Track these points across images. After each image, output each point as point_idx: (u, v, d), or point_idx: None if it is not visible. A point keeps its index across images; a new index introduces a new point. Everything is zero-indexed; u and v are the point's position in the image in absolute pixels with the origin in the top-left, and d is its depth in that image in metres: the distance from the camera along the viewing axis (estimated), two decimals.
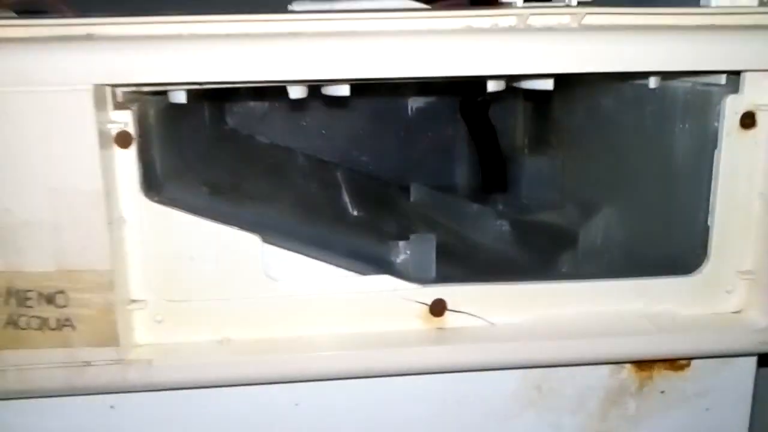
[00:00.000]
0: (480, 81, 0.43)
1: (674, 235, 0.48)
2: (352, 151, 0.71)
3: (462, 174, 0.73)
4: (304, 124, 0.71)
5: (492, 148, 0.71)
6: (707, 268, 0.45)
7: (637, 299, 0.45)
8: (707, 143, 0.44)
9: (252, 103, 0.69)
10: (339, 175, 0.67)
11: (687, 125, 0.47)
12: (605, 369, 0.46)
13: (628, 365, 0.46)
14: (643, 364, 0.46)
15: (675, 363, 0.46)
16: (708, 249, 0.44)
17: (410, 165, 0.72)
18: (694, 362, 0.46)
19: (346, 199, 0.62)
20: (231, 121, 0.69)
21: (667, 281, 0.45)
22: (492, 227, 0.61)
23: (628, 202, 0.54)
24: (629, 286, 0.45)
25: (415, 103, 0.72)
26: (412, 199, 0.67)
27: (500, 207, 0.65)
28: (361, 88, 0.41)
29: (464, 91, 0.69)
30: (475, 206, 0.63)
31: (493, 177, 0.70)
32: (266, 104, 0.69)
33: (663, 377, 0.46)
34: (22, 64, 0.37)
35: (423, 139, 0.73)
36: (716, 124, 0.44)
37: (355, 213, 0.60)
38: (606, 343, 0.43)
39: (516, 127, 0.73)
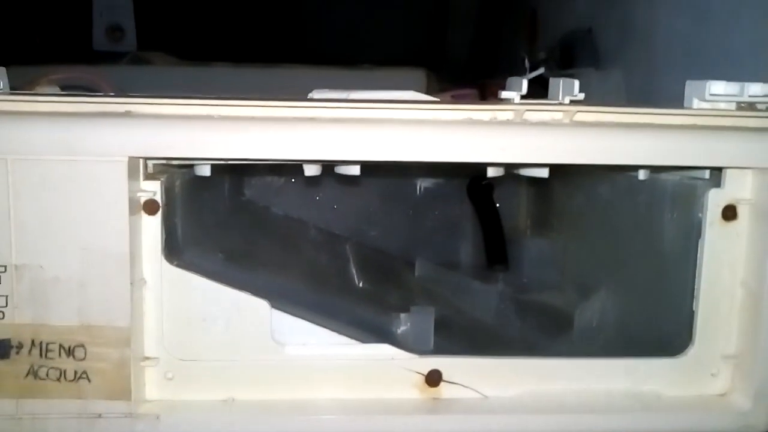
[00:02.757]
0: (483, 168, 0.46)
1: (662, 318, 0.51)
2: (361, 226, 0.74)
3: (466, 252, 0.76)
4: (317, 198, 0.75)
5: (495, 228, 0.74)
6: (692, 351, 0.47)
7: (625, 378, 0.47)
8: (692, 233, 0.47)
9: (269, 178, 0.73)
10: (348, 248, 0.70)
11: (675, 215, 0.50)
12: None
13: None
14: None
15: None
16: (693, 333, 0.47)
17: (417, 241, 0.75)
18: None
19: (353, 271, 0.65)
20: (248, 192, 0.73)
21: (653, 362, 0.47)
22: (492, 305, 0.63)
23: (621, 285, 0.57)
24: (618, 365, 0.47)
25: (423, 183, 0.76)
26: (416, 273, 0.69)
27: (501, 285, 0.67)
28: (372, 168, 0.45)
29: (471, 174, 0.73)
30: (477, 283, 0.66)
31: (496, 256, 0.73)
32: (282, 179, 0.73)
33: None
34: (66, 136, 0.41)
35: (430, 218, 0.76)
36: (700, 215, 0.47)
37: (361, 284, 0.63)
38: (593, 420, 0.45)
39: (520, 210, 0.76)
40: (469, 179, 0.74)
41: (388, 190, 0.74)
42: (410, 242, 0.75)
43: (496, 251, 0.73)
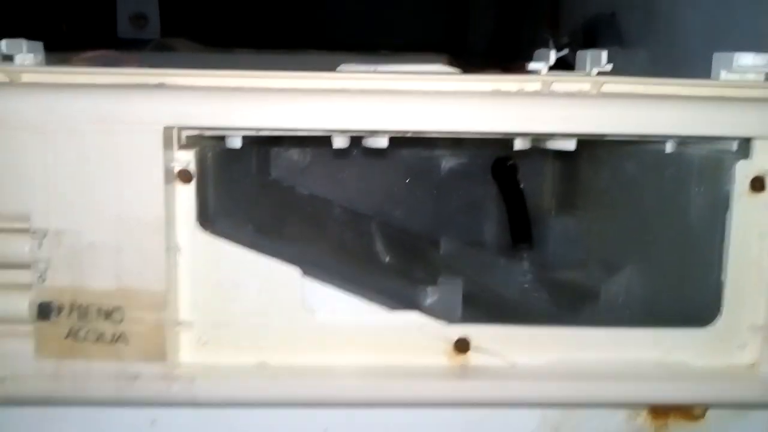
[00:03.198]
0: (509, 144, 0.47)
1: (690, 290, 0.51)
2: (386, 205, 0.75)
3: (490, 231, 0.76)
4: (342, 178, 0.75)
5: (520, 208, 0.75)
6: (720, 322, 0.47)
7: (654, 348, 0.47)
8: (720, 205, 0.47)
9: (294, 158, 0.74)
10: (373, 226, 0.71)
11: (702, 188, 0.51)
12: (622, 414, 0.48)
13: (644, 412, 0.48)
14: (658, 412, 0.48)
15: (690, 413, 0.48)
16: (721, 304, 0.47)
17: (441, 221, 0.76)
18: (709, 413, 0.48)
19: (379, 248, 0.66)
20: (274, 172, 0.74)
21: (682, 332, 0.47)
22: (517, 280, 0.64)
23: (648, 260, 0.57)
24: (646, 335, 0.47)
25: (447, 162, 0.76)
26: (441, 252, 0.70)
27: (526, 263, 0.68)
28: (397, 143, 0.45)
29: (495, 154, 0.74)
30: (502, 260, 0.66)
31: (521, 235, 0.73)
32: (307, 158, 0.74)
33: (678, 426, 0.48)
34: (102, 106, 0.42)
35: (454, 197, 0.77)
36: (728, 187, 0.47)
37: (388, 260, 0.63)
38: (622, 387, 0.46)
39: (544, 188, 0.76)
40: (494, 160, 0.75)
41: (413, 170, 0.75)
42: (435, 222, 0.75)
43: (521, 230, 0.74)
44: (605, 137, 0.45)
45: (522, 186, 0.74)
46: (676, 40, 0.86)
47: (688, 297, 0.51)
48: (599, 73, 0.45)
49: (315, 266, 0.49)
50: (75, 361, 0.43)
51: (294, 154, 0.73)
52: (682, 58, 0.84)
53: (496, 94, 0.44)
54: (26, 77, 0.43)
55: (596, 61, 0.45)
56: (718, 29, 0.77)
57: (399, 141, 0.46)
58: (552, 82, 0.44)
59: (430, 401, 0.45)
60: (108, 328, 0.43)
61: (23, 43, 0.44)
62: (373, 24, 1.48)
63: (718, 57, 0.48)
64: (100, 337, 0.43)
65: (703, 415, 0.48)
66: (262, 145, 0.65)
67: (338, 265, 0.55)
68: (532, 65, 0.46)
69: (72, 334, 0.43)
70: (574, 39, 1.12)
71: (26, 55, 0.44)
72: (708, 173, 0.49)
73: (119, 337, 0.43)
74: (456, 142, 0.72)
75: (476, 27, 1.52)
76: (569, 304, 0.58)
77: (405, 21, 1.48)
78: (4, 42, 0.44)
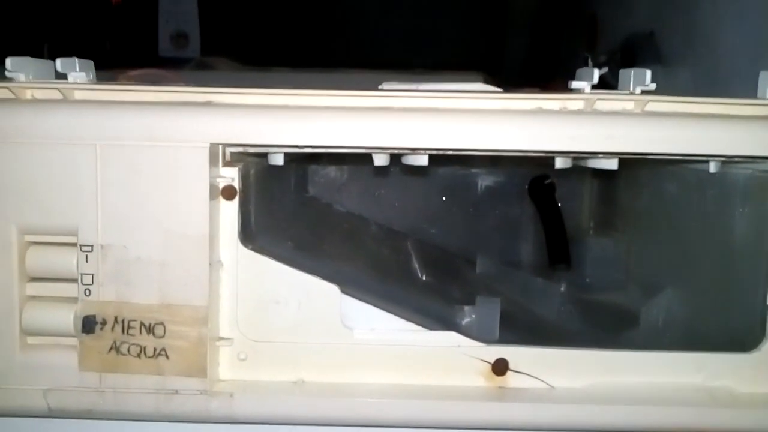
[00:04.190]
0: (548, 163, 0.46)
1: (733, 313, 0.50)
2: (422, 223, 0.75)
3: (527, 251, 0.76)
4: (379, 196, 0.76)
5: (558, 228, 0.74)
6: (766, 347, 0.46)
7: (696, 373, 0.46)
8: (765, 226, 0.46)
9: (332, 175, 0.74)
10: (409, 244, 0.71)
11: (746, 209, 0.50)
12: None
13: None
14: None
15: None
16: (767, 328, 0.46)
17: (477, 240, 0.75)
18: None
19: (416, 265, 0.65)
20: (312, 189, 0.75)
21: (725, 357, 0.46)
22: (555, 302, 0.63)
23: (689, 282, 0.56)
24: (688, 359, 0.46)
25: (484, 181, 0.76)
26: (478, 271, 0.70)
27: (564, 284, 0.67)
28: (437, 163, 0.45)
29: (533, 172, 0.73)
30: (540, 281, 0.65)
31: (558, 255, 0.72)
32: (344, 176, 0.75)
33: None
34: (151, 123, 0.43)
35: (490, 217, 0.77)
36: None
37: (424, 278, 0.63)
38: (663, 413, 0.45)
39: (582, 209, 0.76)
40: (531, 179, 0.74)
41: (449, 188, 0.75)
42: (471, 241, 0.75)
43: (559, 251, 0.73)
44: (649, 156, 0.44)
45: (560, 205, 0.73)
46: (718, 59, 0.85)
47: (731, 321, 0.50)
48: (643, 92, 0.45)
49: (353, 284, 0.49)
50: (116, 375, 0.44)
51: (332, 171, 0.74)
52: (724, 77, 0.82)
53: (539, 112, 0.44)
54: (78, 95, 0.44)
55: (640, 80, 0.45)
56: (764, 47, 0.75)
57: (438, 159, 0.46)
58: (595, 101, 0.44)
59: (468, 424, 0.45)
60: (150, 342, 0.43)
61: (76, 61, 0.46)
62: (410, 42, 1.49)
63: (765, 75, 0.47)
64: (142, 351, 0.43)
65: None
66: (301, 162, 0.66)
67: (375, 283, 0.55)
68: (574, 84, 0.46)
69: (115, 347, 0.43)
70: (612, 58, 1.11)
71: (78, 73, 0.45)
72: (753, 194, 0.49)
73: (160, 351, 0.43)
74: (494, 161, 0.72)
75: (513, 45, 1.52)
76: (608, 327, 0.57)
77: (442, 39, 1.49)
78: (59, 61, 0.45)
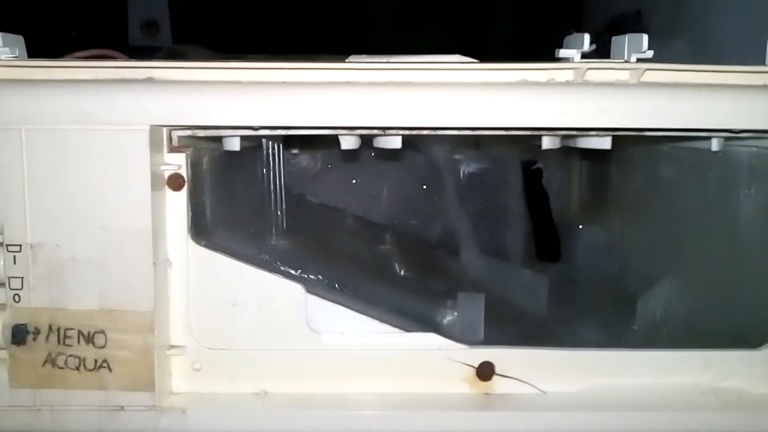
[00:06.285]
0: (534, 144, 0.42)
1: (740, 306, 0.46)
2: (400, 214, 0.71)
3: (513, 242, 0.72)
4: (354, 185, 0.71)
5: (545, 215, 0.70)
6: None
7: (702, 372, 0.42)
8: None
9: (304, 164, 0.70)
10: (387, 236, 0.66)
11: (752, 191, 0.45)
12: None
13: None
14: None
15: None
16: None
17: (460, 231, 0.71)
18: None
19: (394, 259, 0.61)
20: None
21: (732, 355, 0.42)
22: (543, 295, 0.59)
23: (689, 272, 0.52)
24: (692, 358, 0.42)
25: (468, 167, 0.71)
26: (461, 262, 0.65)
27: (553, 275, 0.63)
28: (413, 147, 0.41)
29: (519, 157, 0.69)
30: (527, 272, 0.61)
31: (547, 245, 0.68)
32: (317, 165, 0.70)
33: None
34: (82, 103, 0.38)
35: (474, 205, 0.72)
36: None
37: (403, 273, 0.59)
38: (667, 418, 0.40)
39: (571, 196, 0.72)
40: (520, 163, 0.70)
41: (429, 175, 0.71)
42: (453, 231, 0.71)
43: (547, 241, 0.69)
44: (646, 133, 0.40)
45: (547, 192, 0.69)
46: (708, 37, 0.81)
47: (736, 314, 0.46)
48: (639, 60, 0.40)
49: (322, 283, 0.45)
50: (53, 391, 0.39)
51: (303, 159, 0.69)
52: (715, 56, 0.79)
53: (523, 84, 0.40)
54: (1, 72, 0.39)
55: (635, 47, 0.40)
56: (754, 26, 0.71)
57: (414, 142, 0.41)
58: (586, 71, 0.40)
59: None
60: (90, 353, 0.39)
61: (0, 36, 0.40)
62: (389, 28, 1.44)
63: None
64: (81, 364, 0.39)
65: None
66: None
67: (348, 280, 0.50)
68: (562, 52, 0.41)
69: (50, 360, 0.39)
70: (598, 40, 1.07)
71: (2, 48, 0.40)
72: (760, 173, 0.45)
73: (102, 363, 0.39)
74: (476, 143, 0.67)
75: (496, 30, 1.47)
76: (602, 323, 0.53)
77: (423, 24, 1.44)
78: None
